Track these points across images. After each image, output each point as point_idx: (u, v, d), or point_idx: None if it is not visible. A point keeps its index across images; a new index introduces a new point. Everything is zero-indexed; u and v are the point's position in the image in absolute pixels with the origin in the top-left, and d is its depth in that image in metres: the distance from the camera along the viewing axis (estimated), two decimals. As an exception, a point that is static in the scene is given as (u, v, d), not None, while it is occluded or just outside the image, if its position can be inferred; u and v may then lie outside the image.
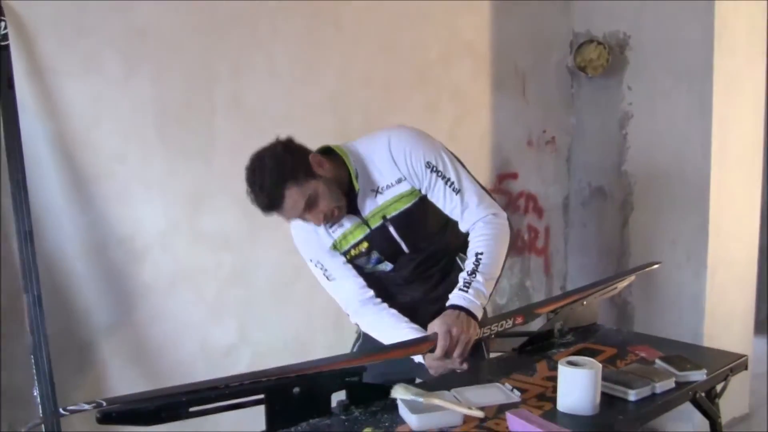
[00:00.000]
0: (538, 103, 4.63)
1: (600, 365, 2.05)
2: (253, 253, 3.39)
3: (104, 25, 2.92)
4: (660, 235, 4.41)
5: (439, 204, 2.48)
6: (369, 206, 2.46)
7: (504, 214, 2.55)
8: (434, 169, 2.44)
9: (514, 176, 4.58)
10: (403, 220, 2.46)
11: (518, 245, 4.65)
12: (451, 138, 4.06)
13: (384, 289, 2.58)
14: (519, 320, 2.53)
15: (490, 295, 2.39)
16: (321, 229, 2.49)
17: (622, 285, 2.96)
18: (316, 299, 3.47)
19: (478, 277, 2.35)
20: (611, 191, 4.66)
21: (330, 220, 2.41)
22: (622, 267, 4.53)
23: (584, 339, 2.70)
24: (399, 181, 2.44)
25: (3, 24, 2.67)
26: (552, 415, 2.02)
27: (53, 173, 2.87)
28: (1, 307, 2.75)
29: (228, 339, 3.38)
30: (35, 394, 2.63)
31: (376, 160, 2.46)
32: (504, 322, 2.49)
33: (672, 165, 4.33)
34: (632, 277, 3.02)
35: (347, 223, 2.48)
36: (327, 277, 2.54)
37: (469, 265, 2.39)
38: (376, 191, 2.46)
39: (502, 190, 4.51)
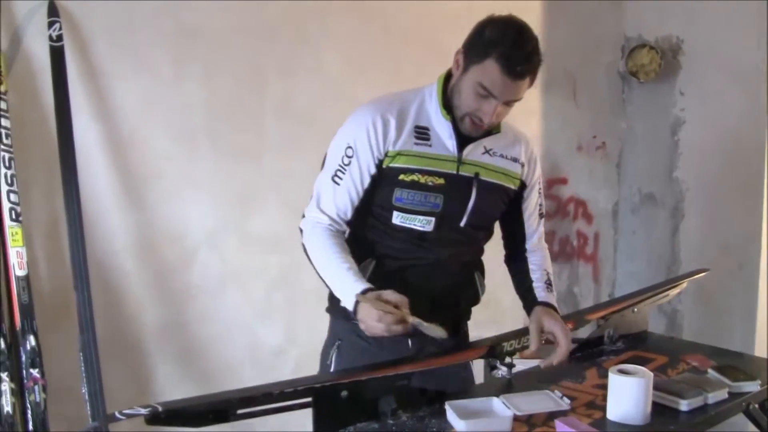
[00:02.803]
0: (588, 108, 4.59)
1: (651, 374, 2.01)
2: (301, 254, 3.37)
3: (154, 26, 2.95)
4: (712, 242, 4.34)
5: (527, 210, 2.42)
6: (471, 154, 2.23)
7: None
8: (541, 183, 2.45)
9: (564, 181, 4.55)
10: (488, 191, 2.27)
11: (567, 251, 4.60)
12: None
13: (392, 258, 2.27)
14: (569, 326, 2.49)
15: None
16: (398, 130, 2.18)
17: (673, 292, 2.92)
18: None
19: (552, 288, 2.39)
20: (662, 198, 4.61)
21: (484, 126, 2.15)
22: (672, 275, 4.45)
23: (634, 347, 2.66)
24: (515, 160, 2.32)
25: (57, 25, 2.70)
26: (601, 423, 1.98)
27: (105, 173, 2.90)
28: (49, 304, 2.79)
29: (275, 340, 3.39)
30: (83, 391, 2.66)
31: (508, 130, 2.32)
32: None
33: (725, 171, 4.27)
34: (684, 284, 2.97)
35: (439, 147, 2.20)
36: (337, 175, 2.19)
37: (544, 275, 2.40)
38: (488, 151, 2.26)
39: (552, 195, 4.47)
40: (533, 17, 4.22)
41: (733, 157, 4.19)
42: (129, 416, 1.65)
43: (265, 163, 3.26)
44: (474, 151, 2.23)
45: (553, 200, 4.48)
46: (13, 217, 2.60)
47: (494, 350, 2.31)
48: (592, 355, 2.57)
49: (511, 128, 2.35)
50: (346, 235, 2.28)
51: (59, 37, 2.71)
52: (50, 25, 2.70)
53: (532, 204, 2.42)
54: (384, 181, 2.19)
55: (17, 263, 2.60)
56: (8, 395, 2.55)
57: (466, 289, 2.42)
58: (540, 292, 2.35)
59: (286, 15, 3.26)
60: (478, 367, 3.50)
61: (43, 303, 2.74)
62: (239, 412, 1.80)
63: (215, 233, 3.17)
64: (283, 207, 3.29)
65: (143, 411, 1.65)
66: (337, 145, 2.23)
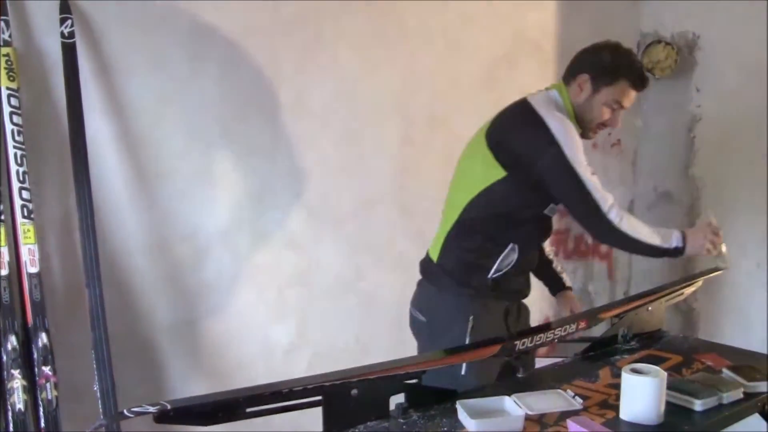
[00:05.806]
0: (603, 105, 4.54)
1: (665, 373, 2.00)
2: (315, 253, 3.39)
3: (169, 23, 2.94)
4: (728, 241, 4.22)
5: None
6: None
7: None
8: None
9: (579, 179, 4.50)
10: None
11: (581, 249, 4.57)
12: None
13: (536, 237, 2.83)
14: (582, 324, 2.47)
15: None
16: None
17: (688, 290, 2.90)
18: (376, 300, 3.47)
19: None
20: (678, 195, 4.57)
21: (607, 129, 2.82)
22: (687, 273, 4.41)
23: (649, 345, 2.64)
24: None
25: (69, 22, 2.70)
26: (614, 423, 1.97)
27: (117, 170, 2.90)
28: (61, 302, 2.79)
29: (288, 339, 3.38)
30: (95, 389, 2.66)
31: None
32: (567, 326, 2.44)
33: (742, 168, 4.23)
34: (699, 282, 2.95)
35: None
36: (592, 173, 2.58)
37: (556, 261, 3.11)
38: None
39: (566, 192, 4.43)
40: (549, 13, 4.20)
41: (750, 154, 4.15)
42: (137, 414, 1.64)
43: (279, 161, 3.25)
44: None
45: (568, 198, 4.44)
46: (25, 214, 2.60)
47: (507, 349, 2.29)
48: (605, 354, 2.56)
49: None
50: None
51: (71, 34, 2.70)
52: (62, 21, 2.69)
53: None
54: None
55: (29, 260, 2.60)
56: (20, 392, 2.54)
57: None
58: (567, 280, 3.11)
59: (300, 14, 3.24)
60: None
61: (55, 300, 2.75)
62: (248, 410, 1.79)
63: (228, 231, 3.16)
64: (297, 205, 3.29)
65: (151, 409, 1.64)
66: (575, 152, 2.54)
